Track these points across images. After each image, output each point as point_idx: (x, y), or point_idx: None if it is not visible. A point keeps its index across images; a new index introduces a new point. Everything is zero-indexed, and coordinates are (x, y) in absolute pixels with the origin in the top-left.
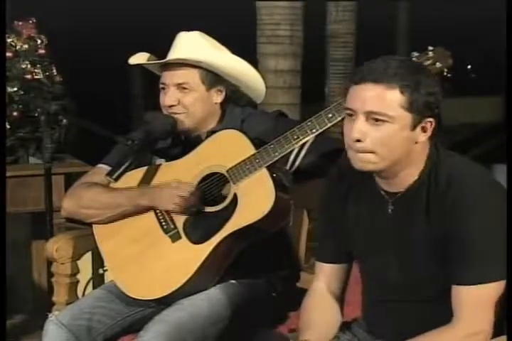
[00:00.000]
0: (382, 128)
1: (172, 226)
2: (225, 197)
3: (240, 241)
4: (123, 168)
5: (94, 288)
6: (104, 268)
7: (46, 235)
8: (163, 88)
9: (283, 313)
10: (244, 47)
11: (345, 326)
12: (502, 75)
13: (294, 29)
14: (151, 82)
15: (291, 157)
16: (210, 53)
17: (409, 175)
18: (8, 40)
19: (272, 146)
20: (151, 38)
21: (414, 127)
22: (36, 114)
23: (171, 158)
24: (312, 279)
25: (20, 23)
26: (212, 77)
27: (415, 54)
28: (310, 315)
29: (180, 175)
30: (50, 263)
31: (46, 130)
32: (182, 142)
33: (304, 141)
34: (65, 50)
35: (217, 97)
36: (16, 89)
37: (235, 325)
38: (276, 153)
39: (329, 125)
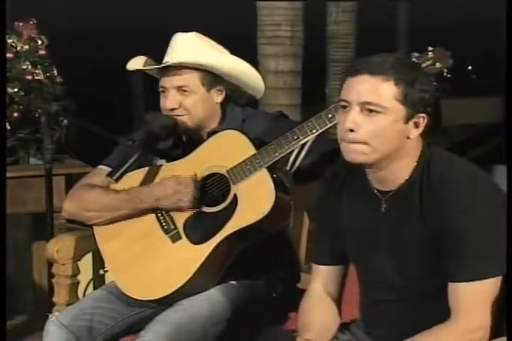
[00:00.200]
0: (376, 119)
1: (172, 226)
2: (225, 198)
3: (240, 241)
4: (124, 168)
5: (94, 288)
6: (105, 269)
7: (47, 236)
8: (163, 91)
9: (283, 314)
10: (245, 48)
11: (343, 327)
12: (502, 75)
13: (295, 30)
14: (151, 83)
15: (292, 157)
16: (209, 55)
17: (401, 172)
18: (9, 41)
19: (272, 147)
20: (151, 37)
21: (407, 121)
22: (37, 115)
23: (171, 158)
24: None
25: (21, 24)
26: (212, 78)
27: (415, 54)
28: (308, 316)
29: (180, 175)
30: (50, 264)
31: (47, 131)
32: (183, 143)
33: (304, 141)
34: (66, 51)
35: (218, 97)
36: (16, 89)
37: (235, 326)
38: (277, 154)
39: (329, 125)
